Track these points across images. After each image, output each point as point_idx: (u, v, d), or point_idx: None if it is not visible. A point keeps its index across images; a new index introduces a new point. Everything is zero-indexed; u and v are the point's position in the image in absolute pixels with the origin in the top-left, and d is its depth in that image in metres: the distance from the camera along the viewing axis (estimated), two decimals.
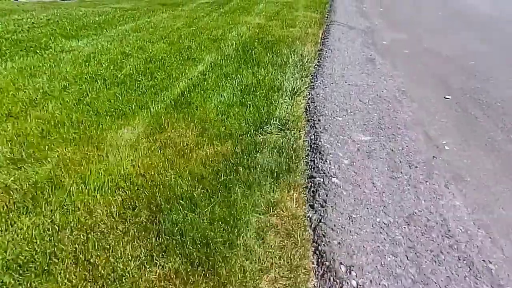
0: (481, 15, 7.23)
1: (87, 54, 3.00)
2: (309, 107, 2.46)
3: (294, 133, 2.02)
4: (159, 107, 2.17)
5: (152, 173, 1.60)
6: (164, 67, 2.85)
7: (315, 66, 3.39)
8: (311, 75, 3.10)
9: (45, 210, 1.34)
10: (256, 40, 3.95)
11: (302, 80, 2.89)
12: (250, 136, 1.92)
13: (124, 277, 1.09)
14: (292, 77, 2.92)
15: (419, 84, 3.32)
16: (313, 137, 2.05)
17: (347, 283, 1.21)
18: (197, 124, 1.97)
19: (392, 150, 2.06)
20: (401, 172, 1.87)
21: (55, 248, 1.18)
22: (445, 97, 3.09)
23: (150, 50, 3.32)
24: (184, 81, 2.59)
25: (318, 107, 2.44)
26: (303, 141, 2.01)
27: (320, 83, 2.91)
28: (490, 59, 4.24)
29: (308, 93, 2.70)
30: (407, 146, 2.13)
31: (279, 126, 2.04)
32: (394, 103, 2.83)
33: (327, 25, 5.27)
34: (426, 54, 4.37)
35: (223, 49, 3.51)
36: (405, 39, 5.11)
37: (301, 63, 3.34)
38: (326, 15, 6.03)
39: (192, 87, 2.48)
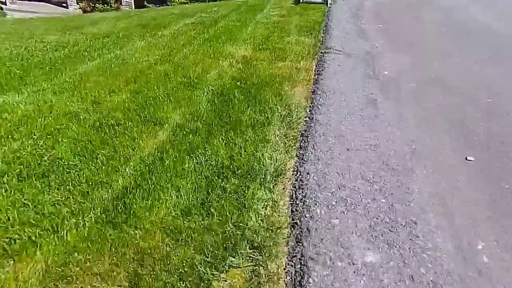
0: (486, 29, 6.66)
1: (18, 118, 2.39)
2: (295, 202, 1.86)
3: (271, 266, 1.43)
4: (78, 228, 1.54)
5: None
6: (113, 139, 2.25)
7: (306, 121, 2.79)
8: (300, 140, 2.50)
9: None
10: (238, 84, 3.35)
11: (288, 152, 2.29)
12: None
13: None
14: (276, 147, 2.32)
15: (432, 137, 2.73)
16: (298, 269, 1.45)
17: None
18: (127, 267, 1.33)
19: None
20: None
21: None
22: (467, 159, 2.50)
23: (105, 107, 2.71)
24: (132, 165, 1.99)
25: (306, 202, 1.85)
26: (284, 281, 1.40)
27: (311, 153, 2.32)
28: (509, 88, 3.68)
29: (295, 173, 2.11)
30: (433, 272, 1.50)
31: (251, 254, 1.45)
32: (405, 176, 2.23)
33: (321, 53, 4.68)
34: (435, 87, 3.80)
35: (195, 101, 2.91)
36: (409, 66, 4.53)
37: (289, 119, 2.74)
38: (321, 39, 5.44)
39: (140, 177, 1.88)
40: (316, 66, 4.16)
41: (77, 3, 26.42)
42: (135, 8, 29.81)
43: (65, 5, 26.64)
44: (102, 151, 2.06)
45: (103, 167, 1.92)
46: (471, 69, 4.26)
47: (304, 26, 6.14)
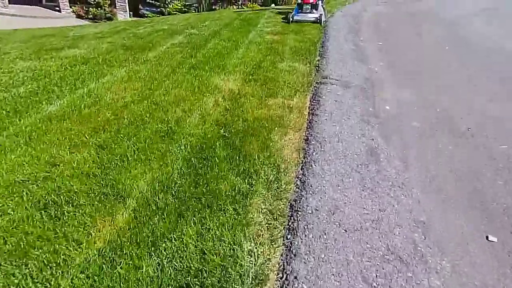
0: (494, 48, 6.30)
1: None
2: None
3: None
4: None
5: None
6: (58, 228, 1.83)
7: (297, 186, 2.39)
8: (289, 218, 2.10)
9: None
10: (222, 132, 2.95)
11: (274, 241, 1.89)
12: None
13: None
14: (259, 232, 1.93)
15: (444, 210, 2.34)
16: None
17: None
18: None
19: None
20: None
21: None
22: (488, 239, 2.11)
23: (61, 171, 2.30)
24: (71, 277, 1.57)
25: None
26: None
27: (301, 241, 1.92)
28: None
29: (280, 278, 1.71)
30: None
31: None
32: (417, 269, 1.83)
33: (317, 84, 4.29)
34: (443, 131, 3.41)
35: (170, 160, 2.51)
36: (411, 97, 4.17)
37: (276, 184, 2.35)
38: (317, 63, 5.05)
39: None
40: (310, 102, 3.77)
41: (70, 7, 25.97)
42: (130, 11, 29.38)
43: (57, 8, 26.16)
44: (36, 253, 1.65)
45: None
46: (485, 108, 3.88)
47: (299, 48, 5.75)
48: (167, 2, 19.15)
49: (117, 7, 27.57)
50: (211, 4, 18.52)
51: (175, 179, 2.29)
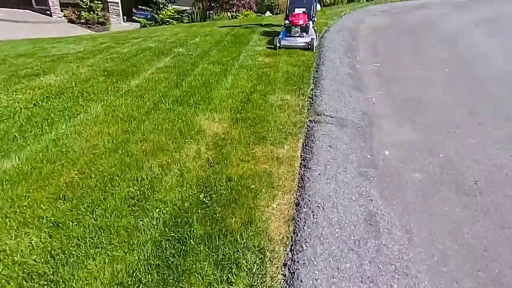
0: (496, 73, 6.00)
1: None
2: None
3: None
4: None
5: None
6: None
7: (284, 282, 2.04)
8: None
9: None
10: (201, 197, 2.58)
11: None
12: None
13: None
14: None
15: None
16: None
17: None
18: None
19: None
20: None
21: None
22: None
23: None
24: None
25: None
26: None
27: None
28: None
29: None
30: None
31: None
32: None
33: (310, 123, 3.94)
34: (448, 185, 3.08)
35: (134, 245, 2.14)
36: (412, 140, 3.83)
37: (260, 281, 1.99)
38: (310, 95, 4.70)
39: None
40: (302, 150, 3.41)
41: (62, 11, 25.41)
42: (123, 15, 28.88)
43: (48, 12, 25.58)
44: None
45: None
46: (491, 154, 3.56)
47: (292, 73, 5.39)
48: (160, 7, 18.73)
49: (110, 12, 27.06)
50: (204, 10, 18.13)
51: (139, 276, 1.92)
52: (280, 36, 6.77)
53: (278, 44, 6.58)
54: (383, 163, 3.42)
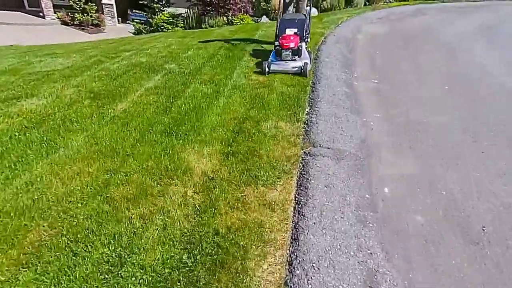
0: (497, 90, 5.80)
1: None
2: None
3: None
4: None
5: None
6: None
7: None
8: None
9: None
10: (183, 260, 2.33)
11: None
12: None
13: None
14: None
15: None
16: None
17: None
18: None
19: None
20: None
21: None
22: None
23: None
24: None
25: None
26: None
27: None
28: None
29: None
30: None
31: None
32: None
33: (305, 156, 3.70)
34: (453, 231, 2.85)
35: None
36: (413, 173, 3.60)
37: None
38: (306, 121, 4.46)
39: None
40: (297, 191, 3.17)
41: (55, 12, 24.95)
42: (118, 16, 28.41)
43: (41, 14, 25.13)
44: None
45: None
46: (497, 190, 3.32)
47: (287, 94, 5.15)
48: (156, 11, 18.39)
49: (104, 13, 26.65)
50: (199, 15, 17.83)
51: None
52: (269, 60, 6.03)
53: (267, 69, 5.86)
54: (383, 204, 3.18)
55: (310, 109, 4.83)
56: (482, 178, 3.57)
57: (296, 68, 5.88)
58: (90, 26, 25.14)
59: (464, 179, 3.56)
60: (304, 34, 6.23)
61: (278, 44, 5.96)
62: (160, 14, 17.25)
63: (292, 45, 5.80)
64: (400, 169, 3.72)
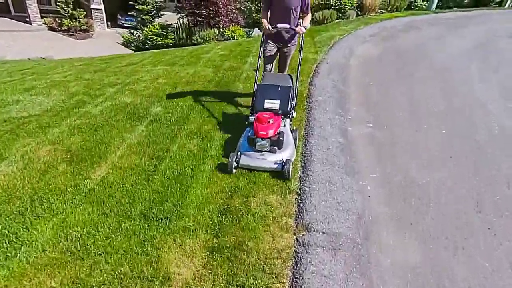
0: (500, 136, 5.51)
1: None
2: None
3: None
4: None
5: None
6: None
7: None
8: None
9: None
10: None
11: None
12: None
13: None
14: None
15: None
16: None
17: None
18: None
19: None
20: None
21: None
22: None
23: None
24: None
25: None
26: None
27: None
28: None
29: None
30: None
31: None
32: None
33: (298, 250, 3.33)
34: None
35: None
36: (416, 260, 3.26)
37: None
38: (298, 193, 4.08)
39: None
40: None
41: (42, 18, 24.03)
42: (107, 20, 27.47)
43: (28, 20, 24.17)
44: None
45: None
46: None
47: None
48: (145, 22, 17.72)
49: (93, 18, 25.80)
50: (189, 26, 17.26)
51: None
52: (238, 150, 4.32)
53: (234, 164, 4.11)
54: None
55: (302, 172, 4.45)
56: (491, 269, 3.25)
57: (274, 166, 4.13)
58: (79, 32, 24.35)
59: (471, 271, 3.23)
60: (289, 108, 4.57)
61: (252, 118, 4.33)
62: (150, 26, 16.62)
63: (270, 133, 4.08)
64: (402, 258, 3.38)
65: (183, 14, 16.95)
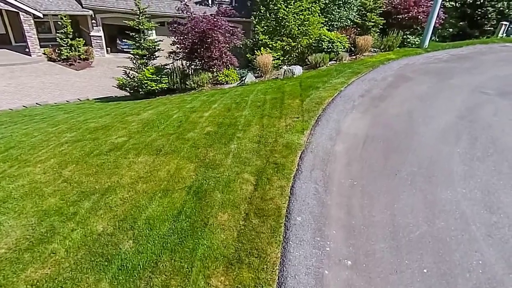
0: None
1: None
2: None
3: None
4: None
5: None
6: None
7: None
8: None
9: None
10: None
11: None
12: None
13: None
14: None
15: None
16: None
17: None
18: None
19: None
20: None
21: None
22: None
23: None
24: None
25: None
26: None
27: None
28: None
29: None
30: None
31: None
32: None
33: None
34: None
35: None
36: None
37: None
38: None
39: None
40: None
41: (41, 47, 23.44)
42: (107, 46, 26.77)
43: (27, 50, 23.59)
44: None
45: None
46: None
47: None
48: (139, 65, 17.11)
49: (93, 45, 25.18)
50: (183, 70, 16.70)
51: None
52: None
53: None
54: None
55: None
56: None
57: None
58: (78, 61, 23.76)
59: None
60: None
61: None
62: (145, 70, 16.09)
63: None
64: None
65: (177, 58, 16.37)
